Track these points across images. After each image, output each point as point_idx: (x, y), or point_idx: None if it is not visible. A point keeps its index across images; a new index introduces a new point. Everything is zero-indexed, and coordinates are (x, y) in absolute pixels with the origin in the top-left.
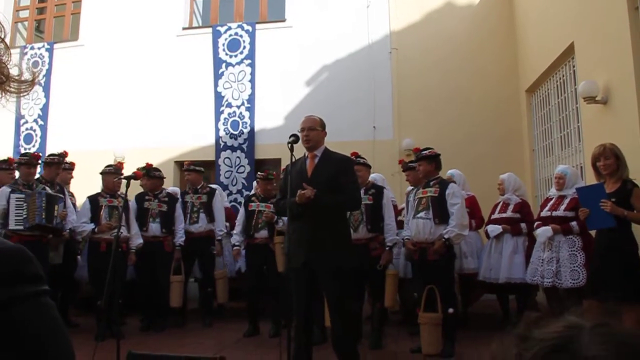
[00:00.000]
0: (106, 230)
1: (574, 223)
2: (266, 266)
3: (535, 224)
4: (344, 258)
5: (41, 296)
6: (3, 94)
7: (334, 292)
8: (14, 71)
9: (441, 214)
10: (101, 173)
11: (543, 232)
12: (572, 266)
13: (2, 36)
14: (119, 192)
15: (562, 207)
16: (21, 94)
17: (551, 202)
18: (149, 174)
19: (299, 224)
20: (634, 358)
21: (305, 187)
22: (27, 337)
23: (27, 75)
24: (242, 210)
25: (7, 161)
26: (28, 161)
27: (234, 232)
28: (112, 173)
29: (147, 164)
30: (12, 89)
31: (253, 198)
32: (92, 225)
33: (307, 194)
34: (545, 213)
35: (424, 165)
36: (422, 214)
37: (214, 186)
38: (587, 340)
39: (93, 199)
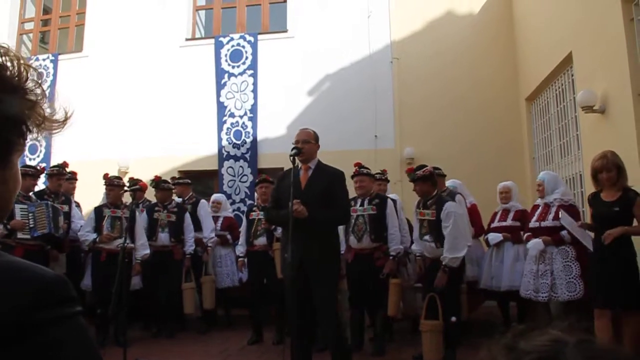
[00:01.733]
0: (107, 240)
1: (564, 232)
2: (266, 273)
3: (525, 235)
4: (332, 266)
5: (77, 316)
6: (40, 132)
7: (321, 296)
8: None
9: (440, 238)
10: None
11: (534, 246)
12: (568, 278)
13: (40, 81)
14: (123, 204)
15: (550, 216)
16: (56, 132)
17: (538, 211)
18: (158, 186)
19: (294, 232)
20: None
21: (296, 204)
22: (63, 357)
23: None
24: (245, 221)
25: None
26: (31, 173)
27: (239, 242)
28: (114, 185)
29: (155, 176)
30: (48, 128)
31: (254, 208)
32: (94, 235)
33: (303, 212)
34: (533, 224)
35: (419, 186)
36: (426, 237)
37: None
38: (571, 355)
39: (98, 210)
